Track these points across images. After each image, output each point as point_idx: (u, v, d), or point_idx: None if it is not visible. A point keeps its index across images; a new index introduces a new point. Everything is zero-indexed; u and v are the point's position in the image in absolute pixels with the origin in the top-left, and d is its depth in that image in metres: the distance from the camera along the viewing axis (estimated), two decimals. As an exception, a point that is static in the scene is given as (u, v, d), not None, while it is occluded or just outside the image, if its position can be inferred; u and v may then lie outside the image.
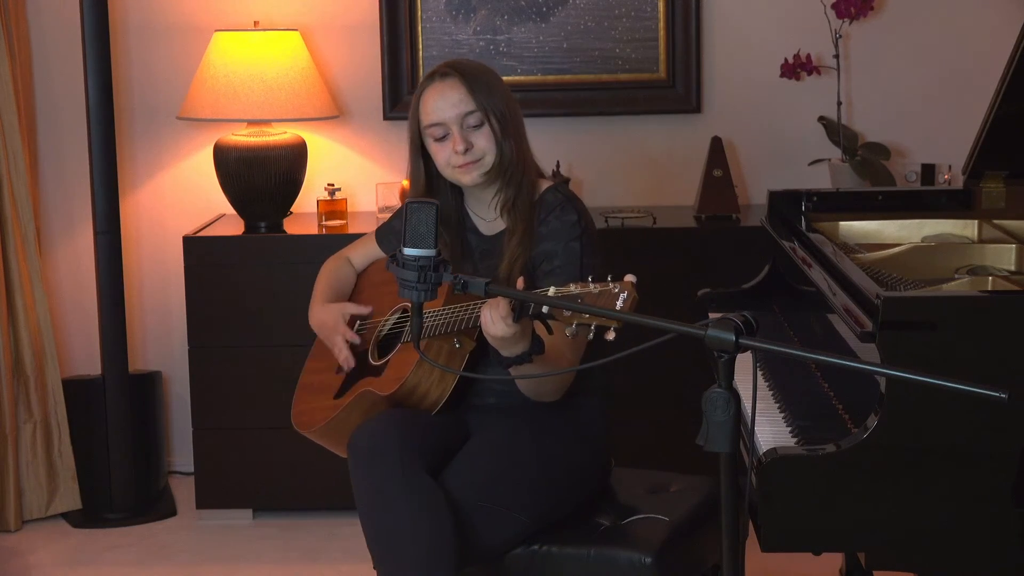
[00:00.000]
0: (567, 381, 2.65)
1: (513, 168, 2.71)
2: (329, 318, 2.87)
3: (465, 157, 2.67)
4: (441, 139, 2.70)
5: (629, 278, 2.15)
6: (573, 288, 2.19)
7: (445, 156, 2.70)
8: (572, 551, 2.59)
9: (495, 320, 2.36)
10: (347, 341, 2.82)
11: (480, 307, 2.45)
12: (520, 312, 2.31)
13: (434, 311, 2.60)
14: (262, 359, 3.93)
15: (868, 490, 2.09)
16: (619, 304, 2.13)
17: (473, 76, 2.70)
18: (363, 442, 2.55)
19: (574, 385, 2.71)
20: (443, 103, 2.68)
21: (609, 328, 2.10)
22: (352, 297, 2.98)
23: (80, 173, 4.21)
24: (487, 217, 2.79)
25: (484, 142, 2.69)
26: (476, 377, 2.69)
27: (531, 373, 2.50)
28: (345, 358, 2.81)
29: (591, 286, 2.18)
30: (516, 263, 2.67)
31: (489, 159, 2.70)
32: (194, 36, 4.22)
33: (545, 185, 2.77)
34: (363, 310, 2.87)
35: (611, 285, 2.14)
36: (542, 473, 2.61)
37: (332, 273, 2.99)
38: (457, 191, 2.80)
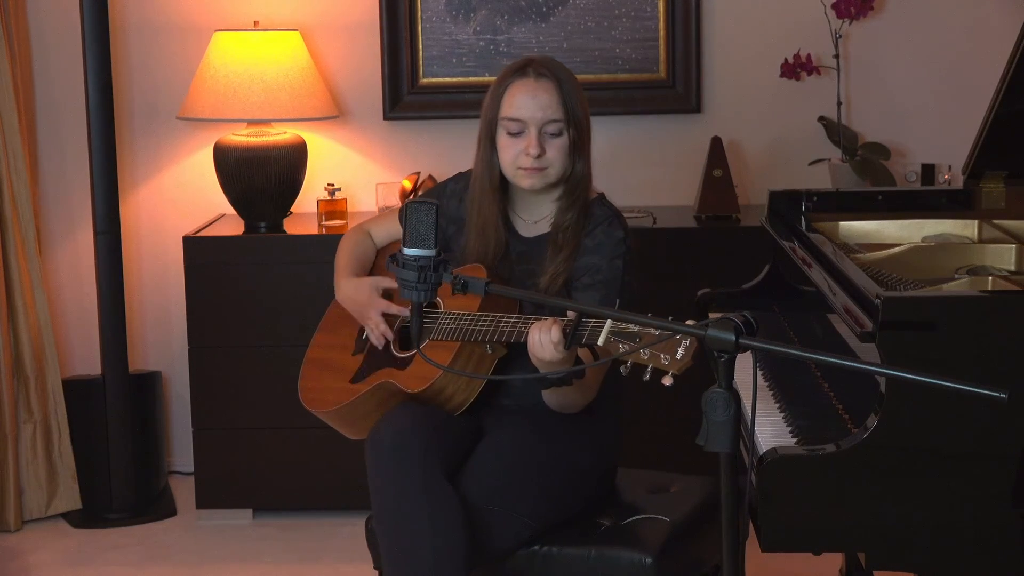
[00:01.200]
0: (591, 396, 2.64)
1: (579, 188, 2.68)
2: (361, 293, 2.78)
3: (535, 162, 2.63)
4: (515, 134, 2.65)
5: (690, 323, 2.09)
6: (632, 327, 2.16)
7: (513, 153, 2.65)
8: (572, 551, 2.59)
9: (544, 344, 2.34)
10: (383, 315, 2.74)
11: (526, 325, 2.42)
12: (572, 340, 2.29)
13: (471, 315, 2.57)
14: (262, 359, 3.93)
15: (868, 490, 2.09)
16: (680, 352, 2.09)
17: (567, 85, 2.65)
18: (386, 439, 2.53)
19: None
20: (532, 103, 2.63)
21: (667, 374, 2.08)
22: (371, 275, 2.90)
23: (80, 173, 4.21)
24: (530, 219, 2.76)
25: (556, 153, 2.65)
26: (502, 379, 2.66)
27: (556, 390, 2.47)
28: (382, 332, 2.72)
29: (652, 329, 2.12)
30: (559, 277, 2.65)
31: (555, 170, 2.66)
32: (194, 36, 4.22)
33: (592, 195, 2.73)
34: (396, 284, 2.76)
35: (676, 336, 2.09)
36: (553, 478, 2.61)
37: (355, 246, 2.92)
38: (504, 186, 2.75)
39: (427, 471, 2.48)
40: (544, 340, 2.34)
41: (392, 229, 2.94)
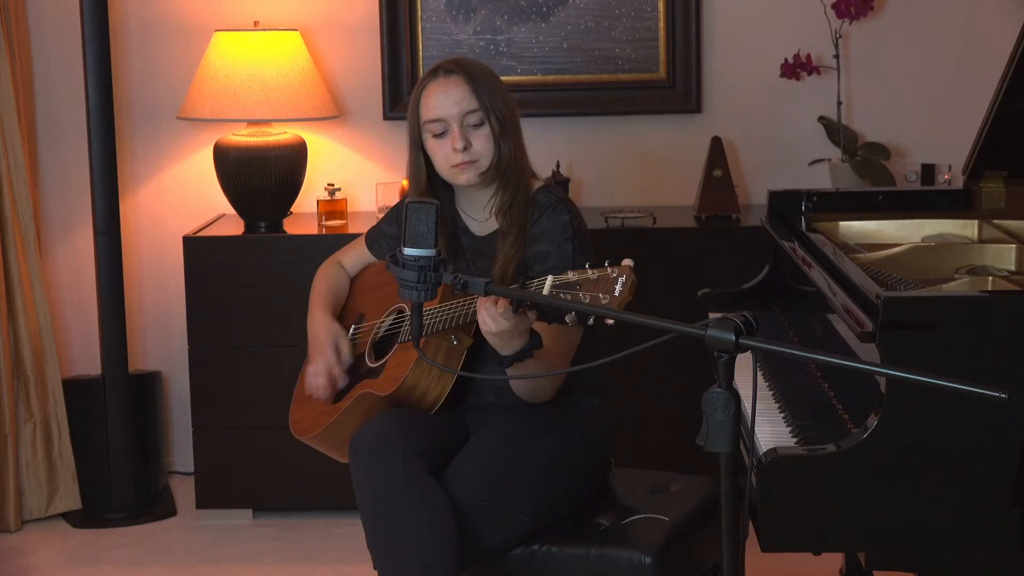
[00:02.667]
0: (560, 380, 2.66)
1: (510, 171, 2.72)
2: (322, 337, 2.84)
3: (463, 156, 2.68)
4: (440, 135, 2.70)
5: (627, 262, 2.17)
6: (571, 275, 2.20)
7: (443, 154, 2.70)
8: (572, 551, 2.59)
9: (494, 317, 2.36)
10: (327, 371, 2.79)
11: (475, 303, 2.46)
12: (517, 304, 2.32)
13: (430, 309, 2.61)
14: (262, 359, 3.93)
15: (868, 490, 2.09)
16: (618, 288, 2.14)
17: (477, 75, 2.71)
18: (365, 443, 2.55)
19: (571, 383, 2.72)
20: (446, 99, 2.68)
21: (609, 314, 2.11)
22: (346, 303, 2.97)
23: (80, 173, 4.21)
24: (479, 218, 2.80)
25: (483, 142, 2.69)
26: (474, 377, 2.69)
27: (529, 373, 2.50)
28: (317, 386, 2.79)
29: (588, 272, 2.18)
30: (509, 264, 2.68)
31: (486, 160, 2.70)
32: (194, 36, 4.22)
33: (537, 185, 2.77)
34: (347, 355, 2.82)
35: (609, 270, 2.15)
36: (542, 472, 2.61)
37: (329, 279, 2.98)
38: (450, 191, 2.80)
39: (407, 468, 2.48)
40: (492, 312, 2.36)
41: (361, 255, 3.01)
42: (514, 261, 2.68)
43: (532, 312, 2.38)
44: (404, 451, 2.50)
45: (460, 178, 2.71)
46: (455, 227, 2.80)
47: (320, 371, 2.80)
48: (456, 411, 2.73)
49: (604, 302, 2.15)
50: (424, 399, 2.66)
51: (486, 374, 2.66)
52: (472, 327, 2.58)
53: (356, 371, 2.81)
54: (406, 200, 2.26)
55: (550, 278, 2.23)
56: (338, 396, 2.81)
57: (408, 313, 2.69)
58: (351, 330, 2.89)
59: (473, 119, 2.69)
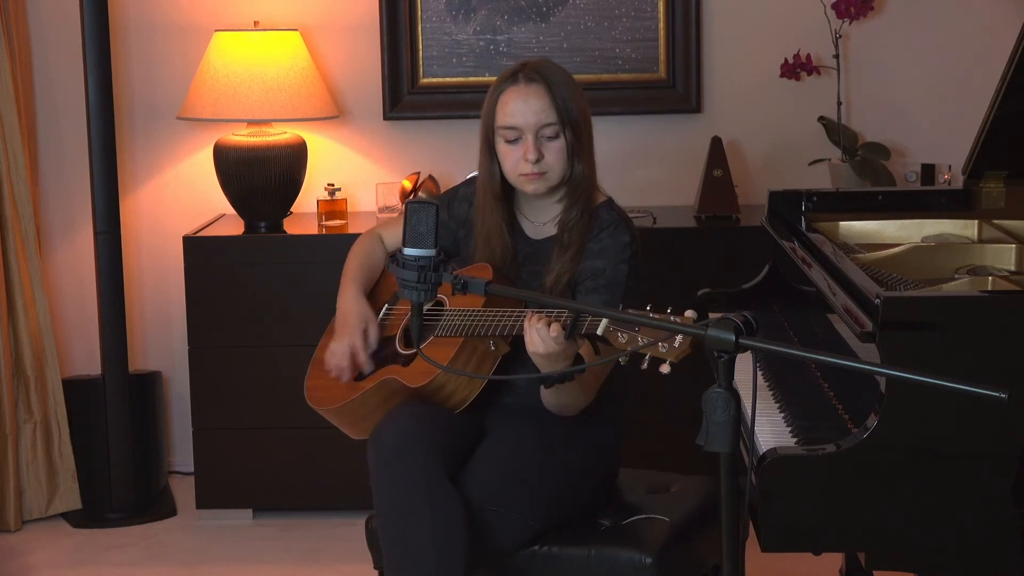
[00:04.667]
0: (591, 398, 2.64)
1: (580, 188, 2.68)
2: (351, 316, 2.76)
3: (534, 167, 2.64)
4: (513, 142, 2.65)
5: (690, 314, 2.08)
6: (632, 314, 2.16)
7: (513, 160, 2.66)
8: (573, 551, 2.59)
9: (543, 338, 2.34)
10: (352, 354, 2.73)
11: (523, 319, 2.42)
12: (573, 330, 2.29)
13: (474, 311, 2.57)
14: (262, 359, 3.93)
15: (868, 490, 2.09)
16: (679, 339, 2.09)
17: (560, 87, 2.65)
18: (389, 439, 2.53)
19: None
20: (524, 108, 2.63)
21: (664, 362, 2.08)
22: (380, 281, 2.91)
23: (80, 173, 4.21)
24: (537, 221, 2.76)
25: (555, 156, 2.65)
26: (504, 379, 2.65)
27: (561, 391, 2.47)
28: (339, 366, 2.72)
29: (650, 315, 2.10)
30: (563, 277, 2.65)
31: (556, 174, 2.66)
32: (194, 36, 4.22)
33: (599, 199, 2.73)
34: (374, 341, 2.76)
35: (672, 317, 2.07)
36: (554, 478, 2.61)
37: (365, 253, 2.90)
38: (513, 192, 2.76)
39: (429, 472, 2.48)
40: (542, 334, 2.34)
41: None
42: (567, 275, 2.65)
43: (584, 340, 2.34)
44: (427, 454, 2.49)
45: (527, 187, 2.67)
46: (512, 229, 2.75)
47: (344, 351, 2.72)
48: (473, 407, 2.70)
49: (662, 351, 2.10)
50: (451, 399, 2.63)
51: (515, 376, 2.62)
52: (510, 337, 2.54)
53: (383, 353, 2.75)
54: (407, 200, 2.26)
55: (604, 322, 2.20)
56: (361, 374, 2.75)
57: (445, 307, 2.65)
58: (383, 309, 2.83)
59: (549, 131, 2.64)
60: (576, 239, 2.67)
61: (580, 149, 2.66)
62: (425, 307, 2.75)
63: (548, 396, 2.59)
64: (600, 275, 2.64)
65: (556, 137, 2.64)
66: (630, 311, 2.10)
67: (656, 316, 2.07)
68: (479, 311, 2.56)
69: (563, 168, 2.66)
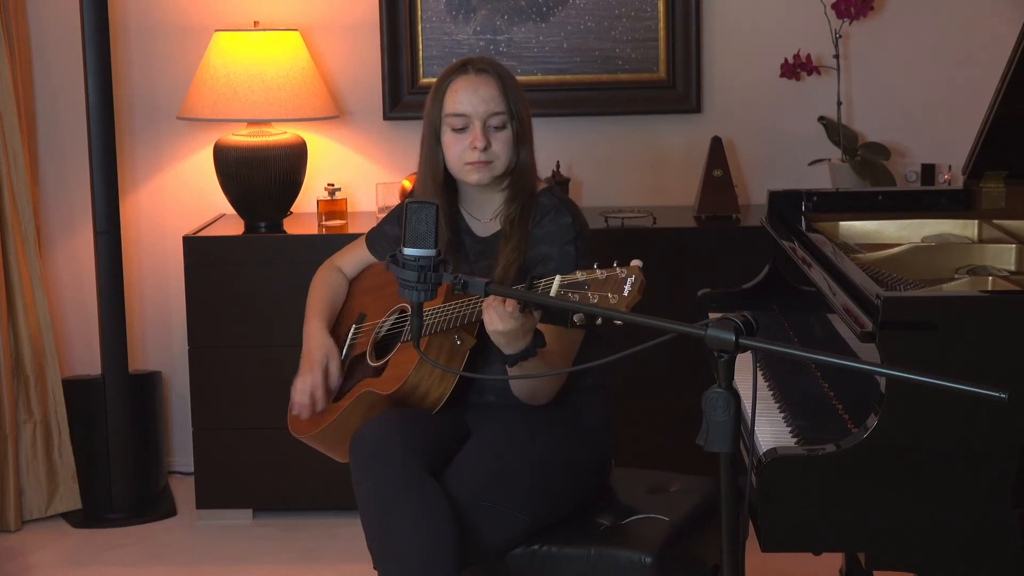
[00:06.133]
0: (560, 382, 2.66)
1: (523, 178, 2.73)
2: (314, 352, 2.82)
3: (481, 155, 2.67)
4: (459, 130, 2.69)
5: (636, 263, 2.17)
6: (579, 275, 2.20)
7: (459, 150, 2.69)
8: (572, 551, 2.59)
9: (503, 316, 2.37)
10: (312, 392, 2.79)
11: (480, 303, 2.46)
12: (524, 304, 2.32)
13: (433, 308, 2.60)
14: (262, 359, 3.93)
15: (868, 490, 2.09)
16: (627, 288, 2.14)
17: (506, 78, 2.72)
18: (365, 444, 2.55)
19: (572, 383, 2.72)
20: (474, 97, 2.68)
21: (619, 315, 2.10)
22: (345, 304, 2.96)
23: (80, 173, 4.21)
24: (482, 218, 2.80)
25: (502, 145, 2.69)
26: (476, 377, 2.69)
27: (531, 373, 2.50)
28: (300, 403, 2.78)
29: (597, 272, 2.18)
30: (511, 267, 2.68)
31: (502, 163, 2.70)
32: (194, 36, 4.22)
33: (539, 187, 2.78)
34: (335, 376, 2.81)
35: (617, 270, 2.15)
36: (542, 472, 2.61)
37: (326, 285, 2.96)
38: (454, 190, 2.79)
39: (409, 468, 2.48)
40: (499, 311, 2.37)
41: (361, 257, 2.99)
42: (515, 264, 2.68)
43: (538, 312, 2.38)
44: (404, 451, 2.50)
45: (472, 176, 2.70)
46: (457, 227, 2.80)
47: (305, 390, 2.80)
48: (456, 410, 2.72)
49: (613, 302, 2.16)
50: (426, 399, 2.66)
51: (488, 374, 2.66)
52: (475, 327, 2.58)
53: (357, 370, 2.81)
54: (407, 200, 2.26)
55: (558, 278, 2.23)
56: (338, 395, 2.80)
57: (410, 313, 2.69)
58: (351, 330, 2.88)
59: (496, 121, 2.69)
60: (518, 227, 2.71)
61: (524, 140, 2.71)
62: (390, 319, 2.79)
63: (518, 384, 2.61)
64: (549, 260, 2.67)
65: (503, 127, 2.69)
66: (577, 272, 2.21)
67: (603, 271, 2.17)
68: (439, 308, 2.60)
69: (509, 158, 2.71)
